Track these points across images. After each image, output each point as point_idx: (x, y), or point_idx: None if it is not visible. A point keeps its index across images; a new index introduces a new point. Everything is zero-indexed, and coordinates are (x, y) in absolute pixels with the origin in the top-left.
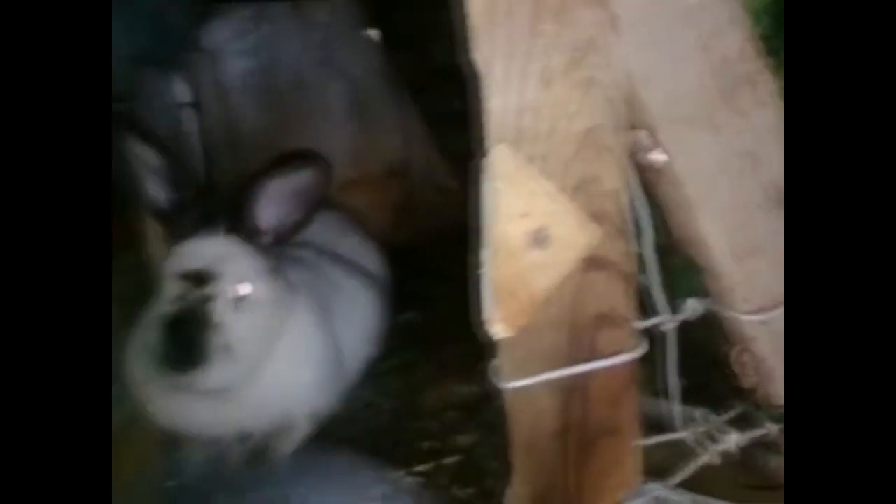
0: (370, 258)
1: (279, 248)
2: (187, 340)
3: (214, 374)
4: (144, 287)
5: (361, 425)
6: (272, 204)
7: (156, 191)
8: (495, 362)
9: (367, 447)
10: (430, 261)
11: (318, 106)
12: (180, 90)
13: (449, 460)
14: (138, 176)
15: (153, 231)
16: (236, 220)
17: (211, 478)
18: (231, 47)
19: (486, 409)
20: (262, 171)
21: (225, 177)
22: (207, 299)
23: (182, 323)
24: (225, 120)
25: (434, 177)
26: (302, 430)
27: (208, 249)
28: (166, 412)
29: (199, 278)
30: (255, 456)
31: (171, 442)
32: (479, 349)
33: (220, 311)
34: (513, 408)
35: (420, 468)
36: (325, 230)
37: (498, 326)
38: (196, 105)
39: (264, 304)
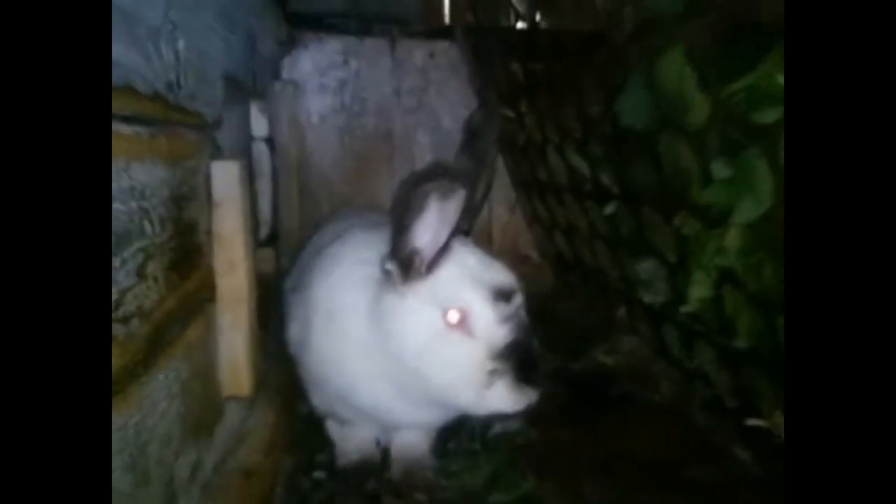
0: None
1: None
2: None
3: None
4: None
5: None
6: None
7: None
8: None
9: None
10: None
11: (402, 156)
12: (257, 123)
13: None
14: None
15: None
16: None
17: None
18: (314, 82)
19: None
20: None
21: (292, 222)
22: None
23: None
24: (298, 160)
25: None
26: None
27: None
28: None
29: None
30: None
31: None
32: None
33: None
34: None
35: None
36: None
37: None
38: (270, 141)
39: None
